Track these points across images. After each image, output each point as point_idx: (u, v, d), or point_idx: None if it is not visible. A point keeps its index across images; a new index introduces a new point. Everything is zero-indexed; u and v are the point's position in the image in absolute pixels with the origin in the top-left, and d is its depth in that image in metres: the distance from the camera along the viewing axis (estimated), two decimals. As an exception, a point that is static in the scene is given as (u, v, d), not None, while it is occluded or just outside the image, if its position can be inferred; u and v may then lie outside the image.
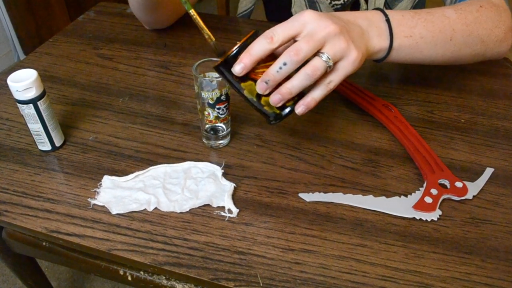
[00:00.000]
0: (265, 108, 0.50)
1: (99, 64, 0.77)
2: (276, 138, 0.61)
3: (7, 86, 0.54)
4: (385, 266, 0.46)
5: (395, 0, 0.80)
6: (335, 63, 0.47)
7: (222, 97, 0.54)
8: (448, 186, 0.53)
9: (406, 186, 0.55)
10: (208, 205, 0.52)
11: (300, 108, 0.48)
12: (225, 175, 0.56)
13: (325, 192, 0.53)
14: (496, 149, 0.60)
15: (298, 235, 0.49)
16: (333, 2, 0.79)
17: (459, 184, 0.53)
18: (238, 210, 0.51)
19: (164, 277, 0.55)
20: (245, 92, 0.49)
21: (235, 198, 0.53)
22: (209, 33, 0.52)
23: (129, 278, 0.57)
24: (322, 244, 0.48)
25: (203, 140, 0.61)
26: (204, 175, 0.55)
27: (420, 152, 0.57)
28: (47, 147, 0.59)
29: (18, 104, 0.55)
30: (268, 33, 0.46)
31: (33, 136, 0.58)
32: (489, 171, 0.56)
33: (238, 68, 0.46)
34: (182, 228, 0.50)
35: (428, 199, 0.52)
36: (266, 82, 0.47)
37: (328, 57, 0.46)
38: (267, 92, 0.48)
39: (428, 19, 0.57)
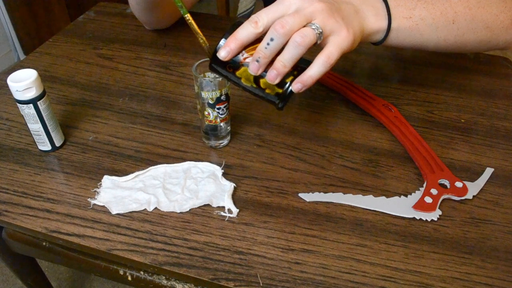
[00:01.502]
0: (267, 91, 0.48)
1: (99, 64, 0.77)
2: (276, 138, 0.61)
3: (7, 86, 0.54)
4: (385, 266, 0.46)
5: None
6: (326, 37, 0.45)
7: (222, 97, 0.54)
8: (448, 186, 0.53)
9: (406, 186, 0.55)
10: (208, 205, 0.52)
11: (296, 85, 0.46)
12: (225, 175, 0.56)
13: (325, 192, 0.53)
14: (496, 149, 0.60)
15: (298, 235, 0.49)
16: None
17: (459, 184, 0.53)
18: (238, 210, 0.51)
19: (164, 277, 0.55)
20: (243, 81, 0.48)
21: (235, 198, 0.53)
22: (203, 38, 0.52)
23: (129, 278, 0.57)
24: (322, 244, 0.48)
25: (203, 140, 0.61)
26: (204, 175, 0.55)
27: (420, 152, 0.57)
28: (47, 147, 0.59)
29: (18, 104, 0.55)
30: (253, 17, 0.45)
31: (33, 136, 0.58)
32: (489, 171, 0.56)
33: (224, 53, 0.45)
34: (182, 228, 0.50)
35: (428, 199, 0.52)
36: (257, 61, 0.45)
37: (317, 26, 0.44)
38: (260, 72, 0.46)
39: (428, 1, 0.54)
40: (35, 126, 0.56)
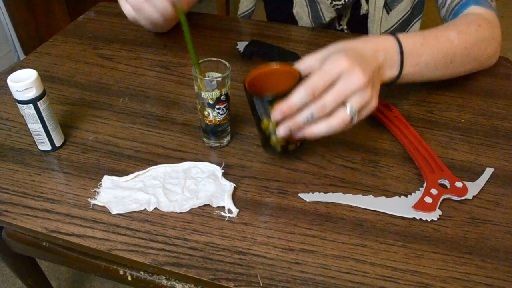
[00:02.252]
0: (271, 142, 0.53)
1: (99, 64, 0.77)
2: (276, 138, 0.61)
3: (7, 86, 0.54)
4: (385, 266, 0.46)
5: (394, 2, 0.80)
6: (358, 112, 0.49)
7: (222, 97, 0.54)
8: (448, 186, 0.53)
9: (406, 186, 0.55)
10: (208, 205, 0.52)
11: (282, 129, 0.50)
12: (225, 175, 0.56)
13: (325, 192, 0.53)
14: (496, 149, 0.60)
15: (298, 235, 0.49)
16: (334, 2, 0.79)
17: (459, 184, 0.53)
18: (238, 210, 0.51)
19: (164, 277, 0.55)
20: (262, 125, 0.52)
21: (235, 198, 0.53)
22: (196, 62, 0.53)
23: (129, 278, 0.57)
24: (322, 244, 0.48)
25: (203, 140, 0.61)
26: (204, 175, 0.55)
27: (420, 152, 0.57)
28: (47, 147, 0.59)
29: (18, 104, 0.55)
30: (308, 86, 0.47)
31: (33, 136, 0.58)
32: (489, 171, 0.56)
33: (278, 115, 0.48)
34: (182, 228, 0.50)
35: (428, 199, 0.52)
36: (291, 129, 0.49)
37: (354, 110, 0.48)
38: (285, 133, 0.50)
39: (434, 46, 0.60)
40: (35, 126, 0.56)
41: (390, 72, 0.56)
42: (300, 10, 0.85)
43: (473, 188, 0.54)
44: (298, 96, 0.47)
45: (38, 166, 0.57)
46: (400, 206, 0.52)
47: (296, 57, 0.75)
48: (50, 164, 0.58)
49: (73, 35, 0.85)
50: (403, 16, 0.82)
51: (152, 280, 0.55)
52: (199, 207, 0.52)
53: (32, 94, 0.54)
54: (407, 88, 0.71)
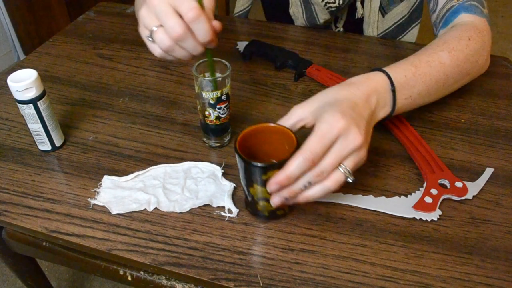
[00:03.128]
0: (258, 206, 0.49)
1: (99, 64, 0.77)
2: (276, 138, 0.61)
3: (7, 86, 0.54)
4: (385, 266, 0.46)
5: (390, 5, 0.81)
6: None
7: (223, 97, 0.54)
8: (448, 186, 0.53)
9: (406, 186, 0.55)
10: (208, 205, 0.52)
11: (277, 199, 0.47)
12: (225, 175, 0.56)
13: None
14: (496, 149, 0.60)
15: (298, 235, 0.49)
16: (328, 5, 0.79)
17: (459, 184, 0.53)
18: (238, 210, 0.51)
19: (164, 277, 0.55)
20: (251, 191, 0.48)
21: (235, 198, 0.53)
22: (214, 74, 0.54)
23: (129, 278, 0.57)
24: (322, 244, 0.48)
25: (203, 140, 0.61)
26: (204, 175, 0.55)
27: (420, 152, 0.57)
28: (47, 147, 0.59)
29: (18, 104, 0.55)
30: (307, 154, 0.43)
31: (33, 136, 0.58)
32: (489, 171, 0.56)
33: (275, 187, 0.44)
34: (182, 228, 0.50)
35: (428, 199, 0.52)
36: (286, 199, 0.46)
37: (349, 172, 0.45)
38: (280, 202, 0.47)
39: (427, 73, 0.58)
40: (35, 126, 0.56)
41: (383, 112, 0.54)
42: (296, 10, 0.86)
43: (473, 188, 0.54)
44: (297, 165, 0.44)
45: (38, 166, 0.58)
46: (400, 206, 0.52)
47: (296, 56, 0.75)
48: (50, 164, 0.58)
49: (73, 35, 0.85)
50: (399, 20, 0.83)
51: (152, 280, 0.55)
52: (199, 207, 0.52)
53: (32, 94, 0.54)
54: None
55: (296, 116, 0.50)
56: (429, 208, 0.51)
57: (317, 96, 0.51)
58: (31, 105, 0.54)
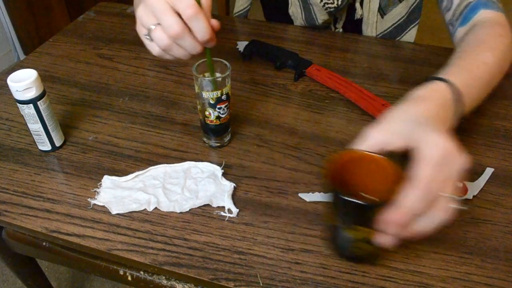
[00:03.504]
0: (355, 249, 0.44)
1: (99, 64, 0.77)
2: (276, 138, 0.61)
3: (7, 86, 0.54)
4: (385, 266, 0.46)
5: (388, 6, 0.81)
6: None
7: (223, 97, 0.54)
8: None
9: (406, 186, 0.54)
10: (208, 205, 0.52)
11: (390, 241, 0.41)
12: (225, 175, 0.56)
13: (325, 192, 0.53)
14: (496, 149, 0.60)
15: (298, 235, 0.49)
16: (327, 5, 0.79)
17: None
18: (238, 210, 0.51)
19: (164, 277, 0.55)
20: (349, 232, 0.42)
21: (235, 198, 0.53)
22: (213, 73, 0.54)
23: (129, 278, 0.57)
24: (322, 244, 0.48)
25: (204, 140, 0.61)
26: (204, 175, 0.55)
27: None
28: (47, 147, 0.59)
29: (18, 104, 0.55)
30: (427, 187, 0.38)
31: (33, 136, 0.58)
32: (489, 171, 0.56)
33: (390, 226, 0.38)
34: (182, 228, 0.50)
35: None
36: (399, 231, 0.39)
37: (454, 198, 0.40)
38: (392, 242, 0.41)
39: (478, 77, 0.56)
40: (35, 126, 0.56)
41: (450, 123, 0.49)
42: (295, 10, 0.86)
43: (473, 188, 0.54)
44: (415, 201, 0.37)
45: (38, 166, 0.58)
46: None
47: (296, 56, 0.75)
48: (50, 164, 0.58)
49: (73, 35, 0.85)
50: (398, 21, 0.83)
51: (152, 280, 0.55)
52: (199, 207, 0.52)
53: (32, 94, 0.54)
54: (407, 88, 0.70)
55: (376, 140, 0.43)
56: None
57: (393, 115, 0.45)
58: (31, 105, 0.54)
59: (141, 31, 0.52)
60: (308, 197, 0.53)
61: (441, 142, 0.40)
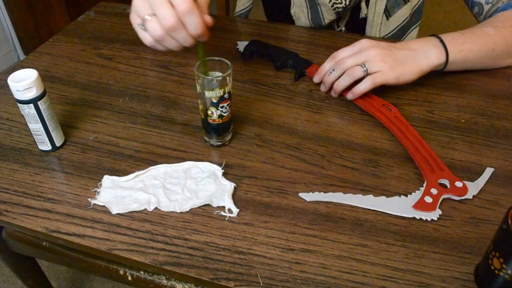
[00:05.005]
0: None
1: (99, 64, 0.77)
2: (276, 138, 0.61)
3: (7, 86, 0.54)
4: (385, 266, 0.46)
5: (394, 8, 0.80)
6: (374, 73, 0.63)
7: (225, 95, 0.54)
8: (448, 186, 0.53)
9: (406, 186, 0.55)
10: (208, 205, 0.52)
11: (349, 95, 0.65)
12: (225, 175, 0.56)
13: (325, 192, 0.53)
14: (496, 149, 0.60)
15: (298, 235, 0.49)
16: (335, 5, 0.79)
17: (459, 184, 0.53)
18: (238, 210, 0.51)
19: (164, 277, 0.55)
20: None
21: (235, 198, 0.53)
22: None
23: (129, 278, 0.57)
24: (322, 244, 0.48)
25: (204, 139, 0.61)
26: (204, 175, 0.55)
27: (420, 152, 0.57)
28: (47, 147, 0.59)
29: (18, 104, 0.55)
30: (334, 56, 0.67)
31: (34, 136, 0.58)
32: (489, 171, 0.56)
33: (317, 78, 0.70)
34: (182, 228, 0.50)
35: (428, 199, 0.52)
36: (323, 83, 0.68)
37: (366, 67, 0.62)
38: (326, 90, 0.69)
39: (473, 37, 0.68)
40: (35, 126, 0.56)
41: (438, 58, 0.66)
42: (298, 10, 0.85)
43: (473, 188, 0.54)
44: (329, 67, 0.67)
45: (38, 166, 0.58)
46: (400, 206, 0.52)
47: (296, 56, 0.75)
48: (50, 164, 0.58)
49: (73, 35, 0.85)
50: (402, 22, 0.82)
51: (152, 280, 0.55)
52: (199, 207, 0.52)
53: (32, 94, 0.54)
54: (407, 88, 0.71)
55: None
56: (429, 207, 0.51)
57: None
58: (31, 105, 0.54)
59: (135, 20, 0.53)
60: (308, 196, 0.53)
61: (363, 41, 0.64)
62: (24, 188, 0.54)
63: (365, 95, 0.67)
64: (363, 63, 0.63)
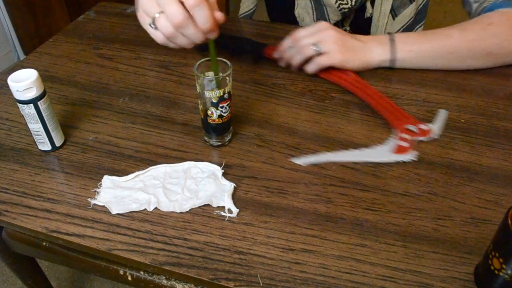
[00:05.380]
0: None
1: (99, 64, 0.77)
2: (276, 138, 0.61)
3: (7, 86, 0.54)
4: (385, 266, 0.46)
5: (400, 8, 0.80)
6: (324, 53, 0.68)
7: (225, 95, 0.54)
8: (415, 130, 0.60)
9: (406, 186, 0.55)
10: (208, 205, 0.52)
11: (305, 70, 0.71)
12: (225, 175, 0.56)
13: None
14: (496, 149, 0.60)
15: (298, 235, 0.49)
16: (341, 6, 0.79)
17: (423, 126, 0.60)
18: (238, 210, 0.51)
19: (164, 277, 0.55)
20: None
21: (235, 198, 0.53)
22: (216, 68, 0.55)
23: (129, 278, 0.57)
24: (322, 244, 0.48)
25: (204, 139, 0.61)
26: (204, 175, 0.55)
27: (383, 105, 0.63)
28: (47, 147, 0.59)
29: (18, 104, 0.55)
30: (293, 35, 0.71)
31: (33, 136, 0.58)
32: (443, 112, 0.63)
33: (277, 55, 0.74)
34: (182, 228, 0.50)
35: (404, 143, 0.58)
36: (282, 57, 0.73)
37: (319, 48, 0.68)
38: (284, 65, 0.74)
39: (431, 38, 0.70)
40: (35, 126, 0.56)
41: (382, 54, 0.70)
42: (303, 11, 0.85)
43: (436, 129, 0.60)
44: (287, 43, 0.71)
45: (38, 166, 0.58)
46: (381, 154, 0.57)
47: (251, 41, 0.78)
48: (50, 164, 0.58)
49: (73, 35, 0.85)
50: (407, 22, 0.82)
51: (152, 280, 0.55)
52: (199, 207, 0.52)
53: (32, 94, 0.54)
54: (407, 88, 0.71)
55: None
56: (407, 150, 0.57)
57: None
58: (31, 105, 0.54)
59: (145, 19, 0.53)
60: (301, 161, 0.57)
61: (321, 23, 0.69)
62: (24, 188, 0.55)
63: (329, 68, 0.72)
64: (317, 43, 0.67)
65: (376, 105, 0.64)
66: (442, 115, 0.63)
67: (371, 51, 0.71)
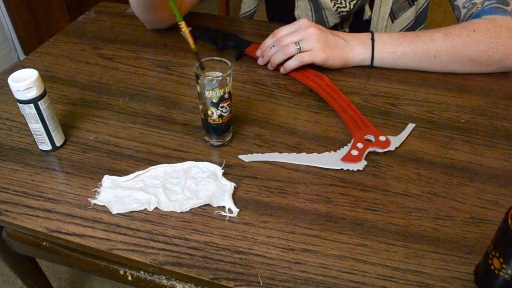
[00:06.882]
0: None
1: (99, 64, 0.77)
2: (276, 138, 0.61)
3: (7, 86, 0.54)
4: (385, 265, 0.46)
5: (399, 11, 0.80)
6: (306, 50, 0.68)
7: (226, 95, 0.54)
8: (373, 140, 0.59)
9: (406, 186, 0.55)
10: (208, 204, 0.52)
11: (281, 69, 0.72)
12: (225, 175, 0.56)
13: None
14: (496, 149, 0.60)
15: (298, 235, 0.49)
16: (339, 9, 0.79)
17: (382, 138, 0.59)
18: (238, 210, 0.51)
19: (164, 277, 0.55)
20: None
21: (235, 198, 0.53)
22: (193, 44, 0.55)
23: (129, 278, 0.57)
24: (322, 244, 0.48)
25: (205, 139, 0.61)
26: (205, 175, 0.55)
27: (348, 113, 0.63)
28: (47, 147, 0.59)
29: (18, 104, 0.55)
30: (275, 33, 0.71)
31: (34, 136, 0.58)
32: (410, 126, 0.62)
33: (259, 53, 0.74)
34: (182, 228, 0.50)
35: (355, 152, 0.58)
36: (262, 56, 0.74)
37: (300, 46, 0.68)
38: (263, 63, 0.74)
39: (414, 41, 0.69)
40: (35, 126, 0.56)
41: (362, 53, 0.71)
42: (302, 13, 0.85)
43: (396, 141, 0.59)
44: (269, 43, 0.72)
45: (39, 166, 0.58)
46: (330, 160, 0.57)
47: (236, 37, 0.79)
48: (50, 164, 0.58)
49: (73, 35, 0.85)
50: (407, 25, 0.82)
51: (152, 280, 0.55)
52: (199, 207, 0.52)
53: (33, 94, 0.54)
54: (407, 88, 0.71)
55: None
56: (355, 159, 0.57)
57: None
58: (31, 105, 0.54)
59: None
60: (247, 157, 0.57)
61: (303, 21, 0.69)
62: (24, 188, 0.55)
63: (300, 67, 0.71)
64: (298, 41, 0.68)
65: (341, 112, 0.64)
66: (408, 129, 0.62)
67: (353, 49, 0.71)
